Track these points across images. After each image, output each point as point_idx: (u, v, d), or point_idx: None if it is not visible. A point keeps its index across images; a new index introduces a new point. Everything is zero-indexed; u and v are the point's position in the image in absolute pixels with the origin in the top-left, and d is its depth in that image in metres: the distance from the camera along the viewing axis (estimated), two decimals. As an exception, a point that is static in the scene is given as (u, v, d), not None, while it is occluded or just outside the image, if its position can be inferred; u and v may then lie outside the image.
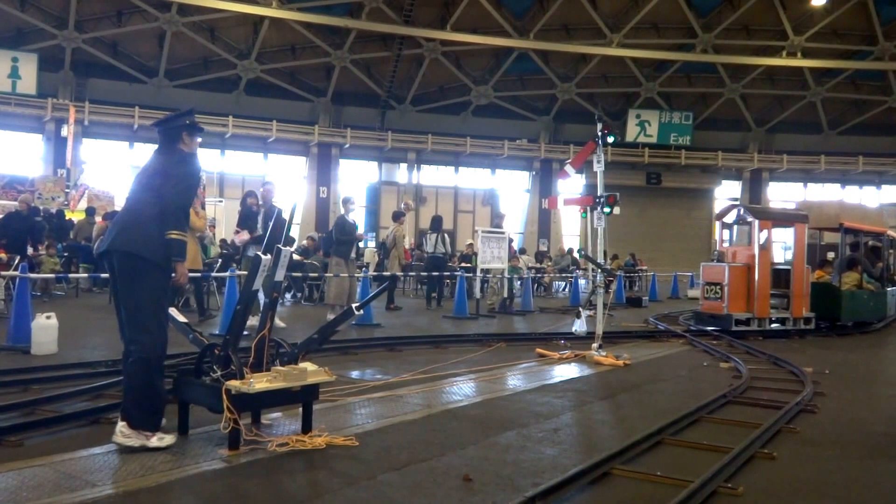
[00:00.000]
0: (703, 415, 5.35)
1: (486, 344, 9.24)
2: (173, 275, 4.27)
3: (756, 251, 11.20)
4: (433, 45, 33.07)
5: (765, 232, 11.42)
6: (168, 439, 4.05)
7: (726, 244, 12.33)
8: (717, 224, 12.31)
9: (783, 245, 14.10)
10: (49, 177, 26.62)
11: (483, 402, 5.67)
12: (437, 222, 16.01)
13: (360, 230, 12.13)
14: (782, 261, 12.90)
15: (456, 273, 15.45)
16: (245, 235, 10.38)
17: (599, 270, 8.61)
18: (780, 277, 11.67)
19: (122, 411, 4.09)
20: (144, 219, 4.22)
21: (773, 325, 11.47)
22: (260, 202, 10.47)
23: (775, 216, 12.30)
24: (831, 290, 12.61)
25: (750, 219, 11.53)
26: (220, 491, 3.48)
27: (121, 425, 4.02)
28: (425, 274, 19.14)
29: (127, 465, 3.70)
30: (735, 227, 12.31)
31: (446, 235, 15.81)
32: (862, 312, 13.08)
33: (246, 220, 10.48)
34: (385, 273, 14.99)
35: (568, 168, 9.63)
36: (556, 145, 36.23)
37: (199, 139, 4.66)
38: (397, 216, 15.13)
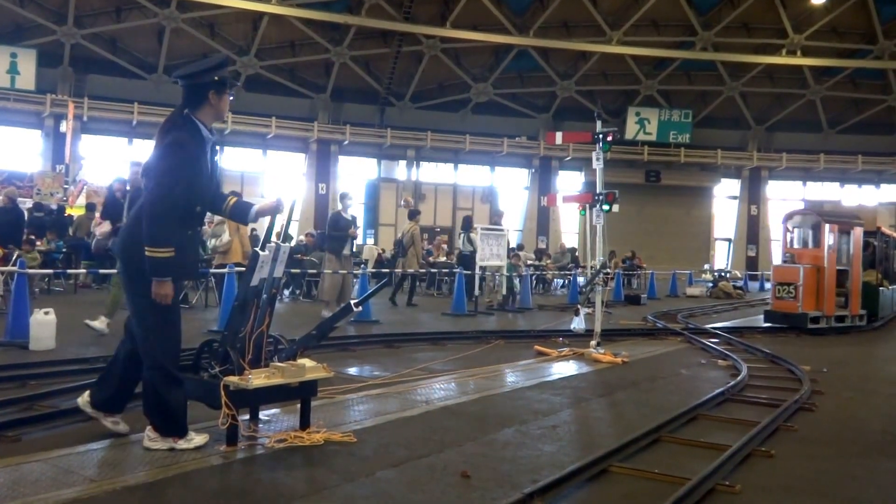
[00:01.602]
0: (701, 412, 5.36)
1: (485, 341, 9.24)
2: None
3: (826, 253, 11.88)
4: (433, 41, 33.05)
5: (834, 234, 12.12)
6: (198, 440, 3.95)
7: (796, 246, 12.82)
8: (783, 226, 12.94)
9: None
10: (48, 172, 26.59)
11: (481, 399, 5.67)
12: (467, 221, 16.74)
13: (358, 227, 12.07)
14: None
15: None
16: (106, 227, 9.37)
17: (599, 267, 8.62)
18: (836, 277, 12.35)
19: (146, 416, 3.97)
20: (137, 219, 3.88)
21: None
22: (127, 188, 8.90)
23: (840, 220, 12.83)
24: (871, 289, 13.32)
25: (820, 223, 12.13)
26: (218, 487, 3.48)
27: (147, 429, 3.93)
28: (423, 271, 19.18)
29: (124, 461, 3.70)
30: (800, 229, 12.83)
31: (472, 235, 16.17)
32: (888, 308, 14.16)
33: (110, 209, 9.32)
34: (384, 270, 14.99)
35: (557, 135, 9.82)
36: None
37: (232, 96, 4.12)
38: (413, 215, 15.44)
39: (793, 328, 11.60)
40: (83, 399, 4.17)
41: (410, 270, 14.65)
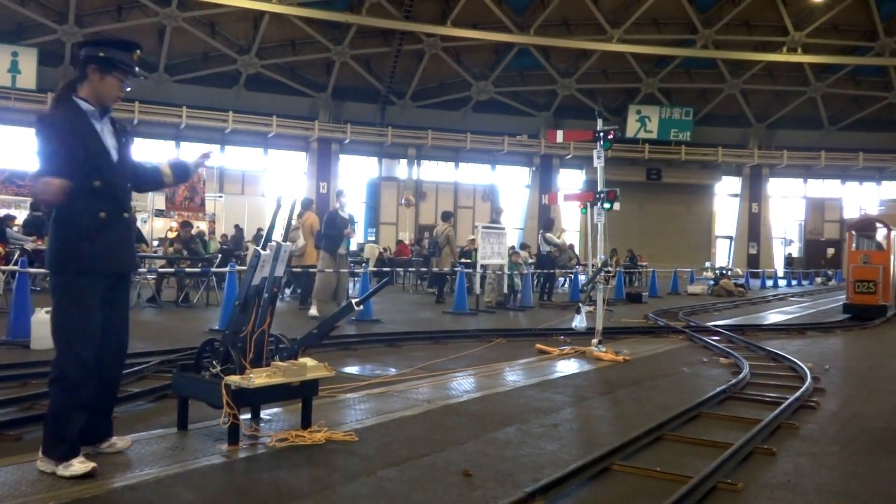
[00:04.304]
0: (702, 410, 5.35)
1: (486, 339, 9.23)
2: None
3: (893, 254, 14.04)
4: (433, 40, 33.05)
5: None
6: (82, 468, 3.43)
7: (864, 249, 14.67)
8: (847, 232, 14.89)
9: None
10: (49, 172, 26.56)
11: (482, 398, 5.67)
12: (549, 223, 17.96)
13: (354, 226, 12.09)
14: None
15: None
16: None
17: (600, 265, 8.61)
18: None
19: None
20: (53, 222, 3.60)
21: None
22: None
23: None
24: None
25: (888, 230, 14.41)
26: (219, 486, 3.48)
27: (41, 448, 3.52)
28: (425, 270, 19.21)
29: (126, 461, 3.69)
30: (866, 235, 14.89)
31: (549, 234, 17.09)
32: None
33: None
34: (385, 269, 15.02)
35: (558, 133, 9.80)
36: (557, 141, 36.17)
37: (124, 83, 3.71)
38: (447, 216, 16.02)
39: (869, 318, 13.19)
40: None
41: (445, 269, 15.08)
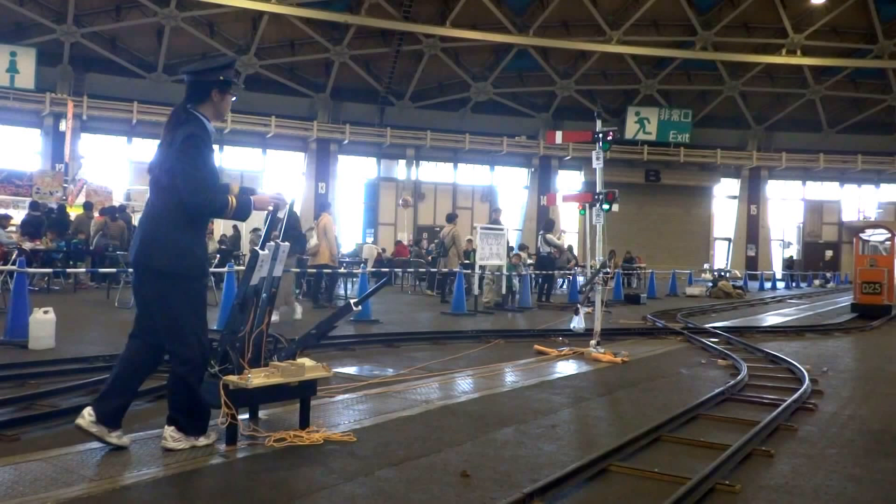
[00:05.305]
0: (700, 412, 5.35)
1: (485, 340, 9.23)
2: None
3: None
4: (432, 41, 33.05)
5: None
6: (214, 436, 4.03)
7: (870, 254, 15.92)
8: (856, 238, 16.34)
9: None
10: (47, 171, 26.60)
11: (481, 399, 5.67)
12: (549, 224, 18.10)
13: (280, 230, 11.90)
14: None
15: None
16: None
17: (599, 266, 8.61)
18: None
19: (168, 418, 3.92)
20: (165, 228, 3.85)
21: None
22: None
23: None
24: None
25: (893, 236, 15.93)
26: (217, 486, 3.48)
27: (169, 430, 3.89)
28: (423, 270, 19.20)
29: (123, 461, 3.69)
30: (873, 240, 16.31)
31: (549, 235, 17.22)
32: None
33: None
34: (383, 270, 15.02)
35: (557, 134, 9.77)
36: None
37: (235, 97, 4.18)
38: (451, 218, 16.21)
39: (875, 316, 13.96)
40: (86, 419, 3.80)
41: (454, 269, 15.23)
